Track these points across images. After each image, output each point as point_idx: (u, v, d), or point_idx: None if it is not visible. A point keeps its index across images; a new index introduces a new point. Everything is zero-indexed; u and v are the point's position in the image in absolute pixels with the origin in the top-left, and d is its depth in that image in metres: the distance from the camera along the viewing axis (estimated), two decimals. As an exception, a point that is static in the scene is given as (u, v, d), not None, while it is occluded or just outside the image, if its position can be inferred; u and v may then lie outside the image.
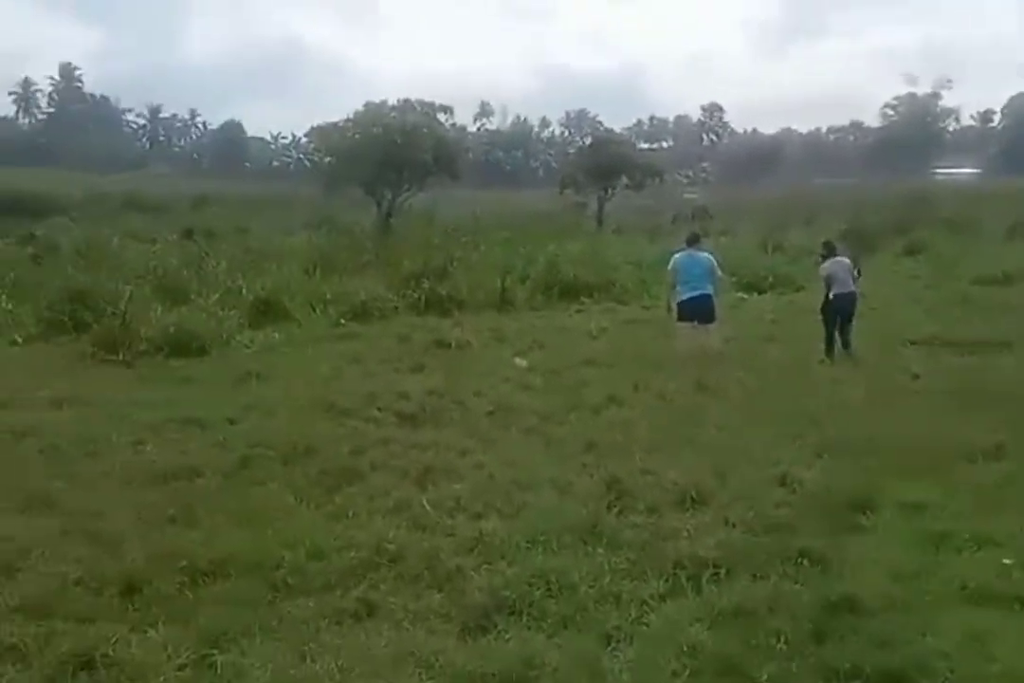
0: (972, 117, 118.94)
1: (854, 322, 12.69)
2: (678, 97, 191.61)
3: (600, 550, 5.88)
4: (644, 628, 4.96)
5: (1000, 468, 7.47)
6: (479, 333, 14.32)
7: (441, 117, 41.68)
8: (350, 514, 6.59)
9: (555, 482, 7.24)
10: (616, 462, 7.62)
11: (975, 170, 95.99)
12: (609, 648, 4.78)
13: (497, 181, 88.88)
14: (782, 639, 4.72)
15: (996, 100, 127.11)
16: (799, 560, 5.70)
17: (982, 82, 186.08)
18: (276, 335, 14.58)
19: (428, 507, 6.65)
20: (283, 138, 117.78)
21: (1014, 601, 5.16)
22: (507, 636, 4.84)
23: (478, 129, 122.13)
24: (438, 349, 13.16)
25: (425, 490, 7.09)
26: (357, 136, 36.49)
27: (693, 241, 12.93)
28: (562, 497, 6.94)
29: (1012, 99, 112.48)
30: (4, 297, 16.20)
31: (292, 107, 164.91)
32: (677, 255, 12.69)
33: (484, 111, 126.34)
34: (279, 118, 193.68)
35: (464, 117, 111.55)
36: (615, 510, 6.58)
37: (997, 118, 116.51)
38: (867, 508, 6.66)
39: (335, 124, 39.57)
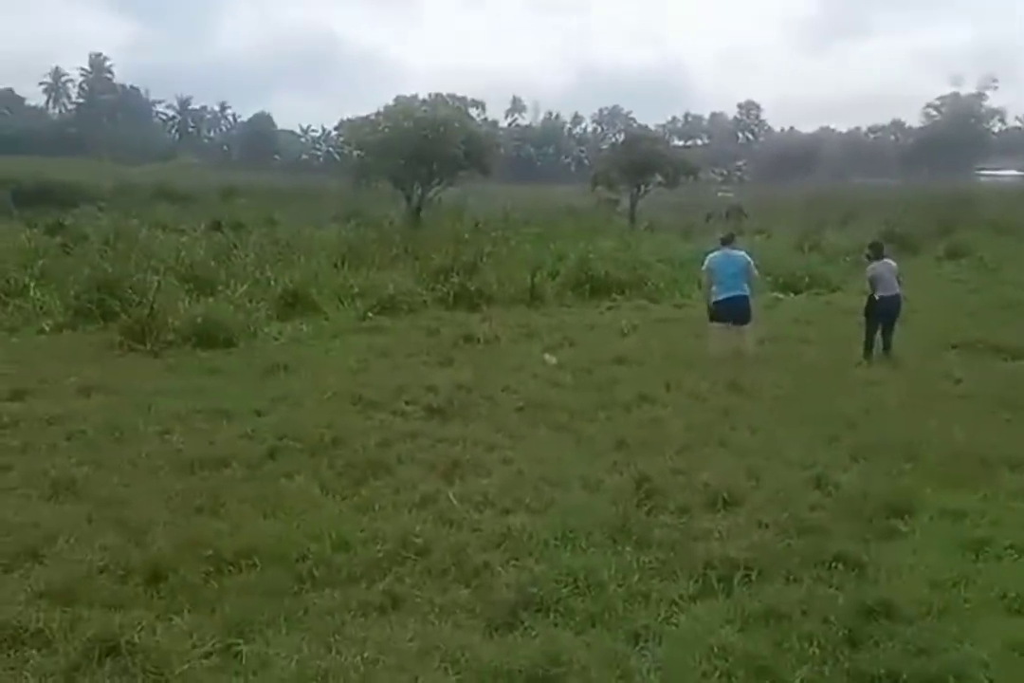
0: (1018, 118, 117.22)
1: (897, 325, 12.47)
2: (714, 94, 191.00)
3: (629, 549, 5.80)
4: (673, 628, 4.88)
5: (1042, 476, 7.28)
6: (508, 328, 14.23)
7: (472, 112, 41.52)
8: (376, 507, 6.56)
9: (585, 479, 7.16)
10: (647, 461, 7.52)
11: (1020, 172, 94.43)
12: (637, 647, 4.72)
13: (528, 177, 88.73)
14: (815, 643, 4.63)
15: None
16: (834, 564, 5.59)
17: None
18: (304, 328, 14.58)
19: (455, 501, 6.60)
20: (313, 131, 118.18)
21: (1057, 611, 5.02)
22: (534, 633, 4.78)
23: (510, 124, 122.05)
24: (466, 344, 13.09)
25: (452, 484, 7.04)
26: (387, 130, 36.47)
27: (728, 240, 12.76)
28: (591, 495, 6.86)
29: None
30: (33, 286, 16.32)
31: (324, 101, 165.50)
32: (712, 255, 12.53)
33: (516, 106, 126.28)
34: (311, 112, 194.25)
35: (496, 112, 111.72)
36: (645, 509, 6.49)
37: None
38: (905, 513, 6.51)
39: (365, 117, 39.56)
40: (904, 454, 7.86)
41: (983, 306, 16.67)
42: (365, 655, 4.50)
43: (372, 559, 5.63)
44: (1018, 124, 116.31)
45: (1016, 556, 5.78)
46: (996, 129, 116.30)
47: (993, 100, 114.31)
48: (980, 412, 9.31)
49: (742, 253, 12.55)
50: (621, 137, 64.17)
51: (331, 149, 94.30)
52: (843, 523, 6.30)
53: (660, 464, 7.44)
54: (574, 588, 5.23)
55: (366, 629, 4.80)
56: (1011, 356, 12.28)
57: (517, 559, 5.64)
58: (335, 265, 19.52)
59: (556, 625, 4.88)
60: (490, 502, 6.65)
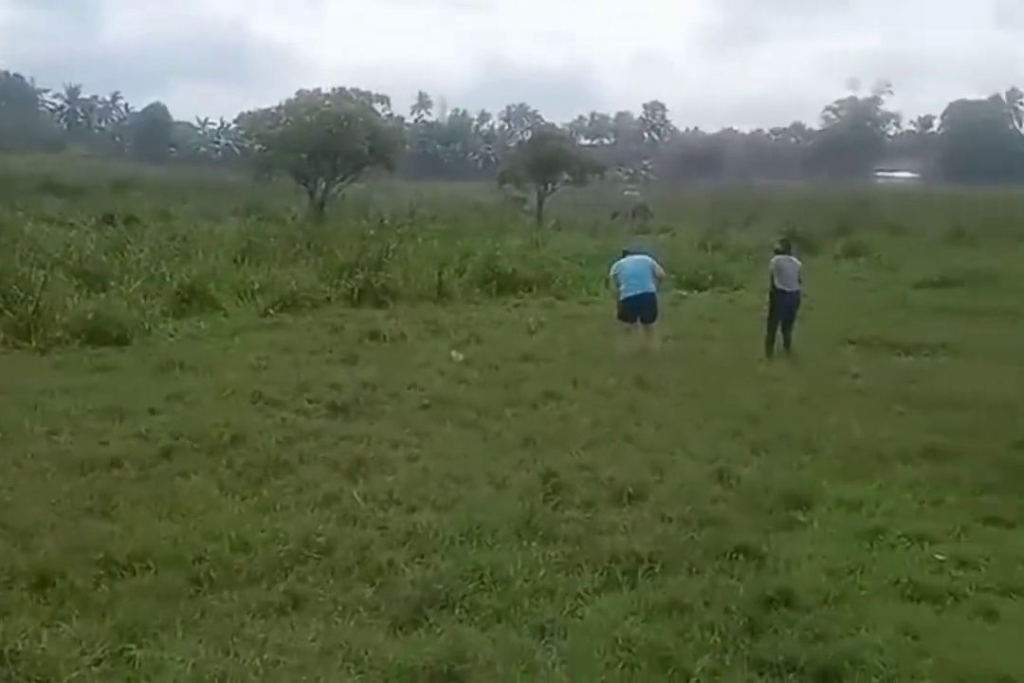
0: (912, 122, 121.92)
1: (796, 323, 12.80)
2: (620, 94, 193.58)
3: (535, 544, 5.79)
4: (578, 621, 4.89)
5: (935, 467, 7.54)
6: (415, 325, 14.11)
7: (378, 107, 41.14)
8: (278, 506, 6.39)
9: (491, 476, 7.12)
10: (553, 457, 7.53)
11: (914, 174, 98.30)
12: (543, 641, 4.70)
13: (434, 174, 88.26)
14: (716, 632, 4.68)
15: (936, 106, 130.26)
16: (735, 555, 5.67)
17: (922, 88, 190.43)
18: (201, 325, 14.13)
19: (359, 500, 6.48)
20: (211, 124, 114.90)
21: (947, 596, 5.20)
22: (439, 630, 4.71)
23: (416, 121, 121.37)
24: (372, 341, 12.91)
25: (356, 483, 6.91)
26: (289, 123, 35.83)
27: (632, 252, 13.08)
28: (498, 491, 6.83)
29: (951, 106, 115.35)
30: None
31: (224, 93, 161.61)
32: (618, 262, 12.80)
33: (422, 102, 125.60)
34: (209, 104, 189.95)
35: (402, 108, 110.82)
36: (551, 504, 6.49)
37: (937, 124, 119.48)
38: (804, 505, 6.67)
39: (266, 110, 38.83)
40: (803, 447, 8.07)
41: (879, 304, 17.28)
42: (265, 657, 4.37)
43: (273, 559, 5.48)
44: (912, 127, 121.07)
45: (909, 544, 5.98)
46: (892, 132, 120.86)
47: (888, 104, 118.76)
48: (876, 406, 9.61)
49: (645, 257, 12.78)
50: (528, 135, 64.44)
51: (230, 142, 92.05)
52: (744, 515, 6.42)
53: (566, 460, 7.46)
54: (480, 584, 5.18)
55: (266, 630, 4.66)
56: (905, 352, 12.75)
57: (422, 556, 5.57)
58: (235, 261, 18.96)
59: (461, 621, 4.82)
60: (395, 500, 6.55)
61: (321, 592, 5.11)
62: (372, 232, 20.72)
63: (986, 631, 4.78)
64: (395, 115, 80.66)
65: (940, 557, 5.70)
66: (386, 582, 5.25)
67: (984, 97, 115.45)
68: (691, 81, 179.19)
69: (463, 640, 4.53)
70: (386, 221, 24.37)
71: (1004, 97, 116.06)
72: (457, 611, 4.92)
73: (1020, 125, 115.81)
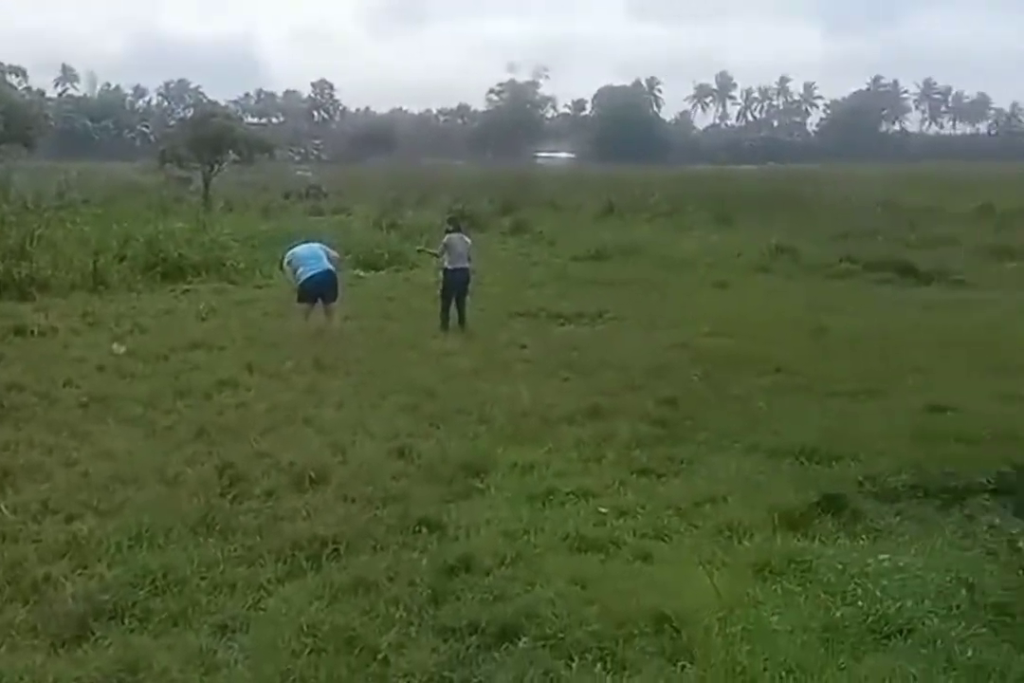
0: (567, 106, 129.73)
1: (468, 298, 13.22)
2: (288, 72, 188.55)
3: (212, 540, 5.57)
4: (261, 614, 4.76)
5: (596, 427, 8.13)
6: (68, 318, 12.92)
7: (12, 80, 37.04)
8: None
9: (161, 473, 6.72)
10: (230, 447, 7.27)
11: (571, 155, 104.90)
12: (224, 639, 4.52)
13: (85, 152, 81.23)
14: (401, 607, 4.76)
15: (588, 91, 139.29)
16: (418, 529, 5.79)
17: (575, 73, 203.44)
18: None
19: (7, 512, 5.85)
20: None
21: (610, 545, 5.63)
22: (107, 643, 4.40)
23: (60, 95, 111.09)
24: (17, 337, 11.63)
25: (4, 494, 6.23)
26: None
27: (310, 239, 13.03)
28: (170, 489, 6.45)
29: (600, 91, 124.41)
30: None
31: None
32: (292, 249, 12.59)
33: (67, 76, 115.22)
34: None
35: (43, 82, 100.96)
36: (229, 497, 6.25)
37: (589, 107, 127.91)
38: (481, 472, 6.94)
39: None
40: (478, 417, 8.39)
41: (543, 277, 18.29)
42: None
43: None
44: (567, 111, 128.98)
45: (576, 500, 6.41)
46: (549, 115, 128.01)
47: (546, 88, 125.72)
48: (543, 374, 10.20)
49: (316, 243, 12.69)
50: (190, 112, 61.06)
51: None
52: (426, 488, 6.56)
53: (244, 449, 7.22)
54: (152, 589, 4.90)
55: None
56: (567, 321, 13.62)
57: (85, 567, 5.15)
58: None
59: (133, 630, 4.53)
60: (51, 509, 5.99)
61: (-36, 620, 4.57)
62: (13, 218, 18.67)
63: (644, 573, 5.23)
64: (34, 89, 73.18)
65: (603, 510, 6.16)
66: (43, 599, 4.79)
67: (628, 83, 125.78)
68: (360, 60, 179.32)
69: (134, 649, 4.27)
70: (29, 205, 22.07)
71: (645, 84, 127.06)
72: (127, 620, 4.62)
73: (659, 109, 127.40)
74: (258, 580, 5.09)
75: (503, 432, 7.97)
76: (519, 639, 4.46)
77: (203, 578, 5.07)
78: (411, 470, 6.95)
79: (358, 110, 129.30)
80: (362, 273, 19.08)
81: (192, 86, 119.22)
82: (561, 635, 4.48)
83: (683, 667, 4.24)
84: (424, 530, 5.78)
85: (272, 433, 7.77)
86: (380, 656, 4.33)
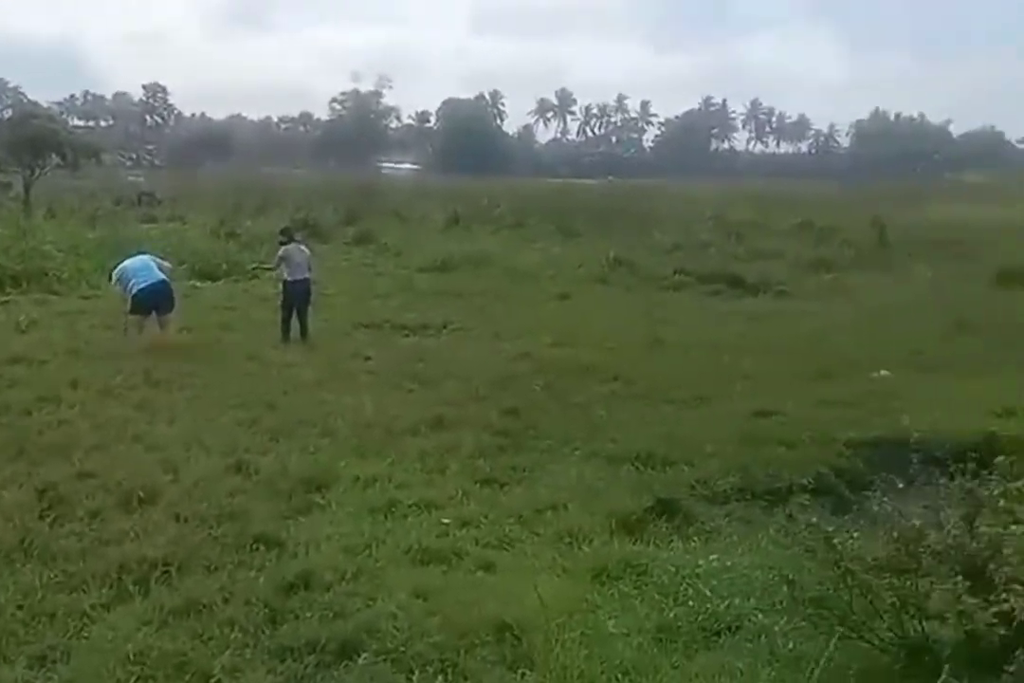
0: (411, 117, 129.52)
1: (310, 309, 13.00)
2: (117, 74, 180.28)
3: (30, 566, 5.25)
4: (84, 642, 4.52)
5: (440, 438, 8.13)
6: None
7: None
8: None
9: (-28, 499, 6.27)
10: (51, 468, 6.91)
11: (415, 166, 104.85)
12: (43, 670, 4.28)
13: None
14: (236, 628, 4.62)
15: (432, 103, 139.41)
16: (255, 546, 5.64)
17: (420, 85, 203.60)
18: None
19: None
20: None
21: (452, 556, 5.64)
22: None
23: None
24: None
25: None
26: None
27: (139, 252, 12.68)
28: (-17, 514, 6.03)
29: (444, 103, 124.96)
30: None
31: None
32: (121, 265, 12.13)
33: None
34: None
35: None
36: (48, 520, 5.91)
37: (433, 119, 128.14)
38: (322, 487, 6.83)
39: None
40: (321, 430, 8.27)
41: (388, 288, 18.16)
42: None
43: None
44: (412, 121, 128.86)
45: (419, 512, 6.40)
46: (394, 125, 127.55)
47: (389, 99, 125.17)
48: (387, 385, 10.14)
49: (146, 256, 12.29)
50: (8, 113, 57.54)
51: None
52: (264, 504, 6.40)
53: (66, 470, 6.86)
54: (-39, 621, 4.56)
55: None
56: (413, 332, 13.57)
57: None
58: None
59: (-67, 671, 4.21)
60: None
61: None
62: None
63: (486, 583, 5.26)
64: None
65: (445, 521, 6.18)
66: None
67: (472, 96, 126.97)
68: (197, 64, 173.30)
69: (-60, 689, 3.95)
70: None
71: (488, 97, 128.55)
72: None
73: (502, 123, 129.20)
74: (81, 607, 4.84)
75: (346, 445, 7.87)
76: (359, 655, 4.40)
77: (20, 607, 4.78)
78: (249, 486, 6.76)
79: (194, 115, 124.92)
80: (198, 284, 18.44)
81: (11, 85, 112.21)
82: (402, 649, 4.45)
83: (523, 674, 4.29)
84: (262, 548, 5.63)
85: (98, 452, 7.41)
86: (213, 680, 4.19)
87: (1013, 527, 4.11)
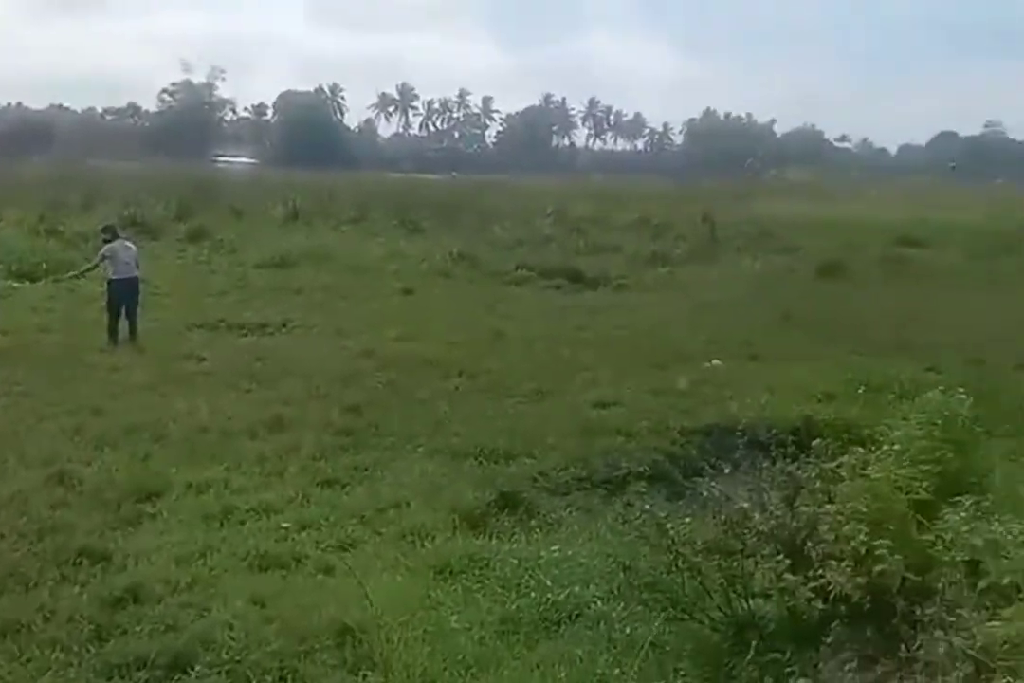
0: (247, 109, 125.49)
1: (139, 309, 12.41)
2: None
3: None
4: None
5: (279, 439, 7.93)
6: None
7: None
8: None
9: None
10: None
11: (253, 160, 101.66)
12: None
13: None
14: (58, 647, 4.39)
15: (269, 95, 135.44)
16: (78, 561, 5.36)
17: (256, 76, 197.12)
18: None
19: None
20: None
21: (292, 561, 5.52)
22: None
23: None
24: None
25: None
26: None
27: None
28: None
29: (281, 95, 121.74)
30: None
31: None
32: None
33: None
34: None
35: None
36: None
37: (271, 112, 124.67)
38: (153, 495, 6.56)
39: None
40: (152, 436, 7.92)
41: (224, 286, 17.54)
42: None
43: None
44: (247, 114, 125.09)
45: (257, 517, 6.23)
46: (228, 118, 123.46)
47: (224, 91, 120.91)
48: (223, 386, 9.80)
49: None
50: None
51: None
52: (89, 517, 6.10)
53: None
54: None
55: None
56: (250, 332, 13.15)
57: None
58: None
59: None
60: None
61: None
62: None
63: (326, 586, 5.18)
64: None
65: (285, 525, 6.02)
66: None
67: (311, 89, 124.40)
68: (11, 52, 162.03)
69: None
70: None
71: (327, 90, 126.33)
72: None
73: (343, 116, 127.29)
74: None
75: (179, 450, 7.57)
76: (192, 669, 4.24)
77: None
78: (72, 498, 6.42)
79: (10, 104, 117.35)
80: (16, 284, 17.32)
81: None
82: (238, 659, 4.33)
83: (364, 676, 4.24)
84: (86, 562, 5.36)
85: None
86: (29, 706, 3.95)
87: (828, 506, 4.35)
